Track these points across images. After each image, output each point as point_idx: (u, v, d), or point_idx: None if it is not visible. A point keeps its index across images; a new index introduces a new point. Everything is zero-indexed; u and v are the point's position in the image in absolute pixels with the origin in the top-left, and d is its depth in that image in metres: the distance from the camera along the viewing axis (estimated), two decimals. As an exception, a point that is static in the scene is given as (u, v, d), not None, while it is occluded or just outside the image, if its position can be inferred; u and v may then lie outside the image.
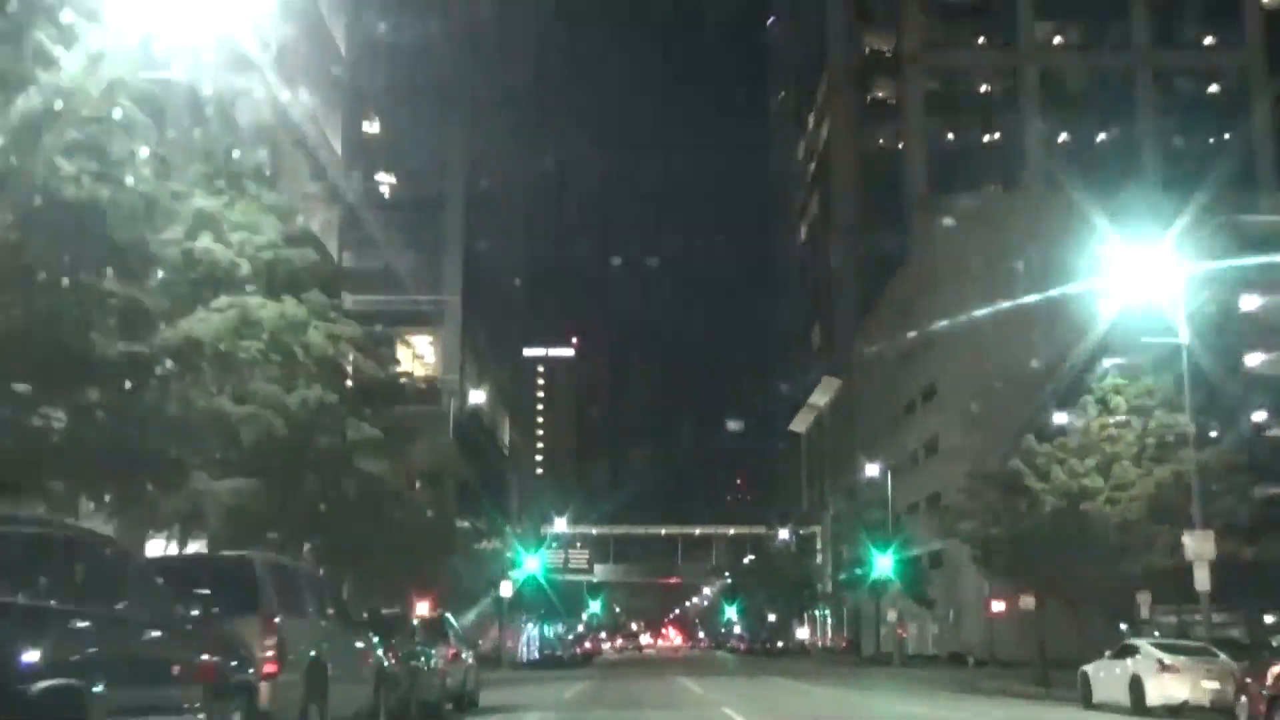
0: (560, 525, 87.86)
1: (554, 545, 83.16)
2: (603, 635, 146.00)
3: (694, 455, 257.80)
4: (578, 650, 61.82)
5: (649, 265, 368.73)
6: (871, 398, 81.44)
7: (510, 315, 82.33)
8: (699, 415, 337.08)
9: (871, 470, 56.85)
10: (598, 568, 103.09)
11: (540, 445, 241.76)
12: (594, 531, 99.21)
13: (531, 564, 55.48)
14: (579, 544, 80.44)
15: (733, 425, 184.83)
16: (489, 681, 38.49)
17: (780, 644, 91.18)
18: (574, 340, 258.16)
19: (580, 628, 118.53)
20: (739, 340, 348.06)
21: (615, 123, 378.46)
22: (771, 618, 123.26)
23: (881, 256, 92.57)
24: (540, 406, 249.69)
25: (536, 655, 61.73)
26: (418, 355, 60.83)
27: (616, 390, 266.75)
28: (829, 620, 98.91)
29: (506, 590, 53.62)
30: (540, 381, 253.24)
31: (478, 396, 61.46)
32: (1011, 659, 50.09)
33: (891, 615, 53.90)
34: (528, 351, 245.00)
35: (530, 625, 66.82)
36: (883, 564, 54.95)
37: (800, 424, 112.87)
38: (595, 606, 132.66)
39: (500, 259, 75.57)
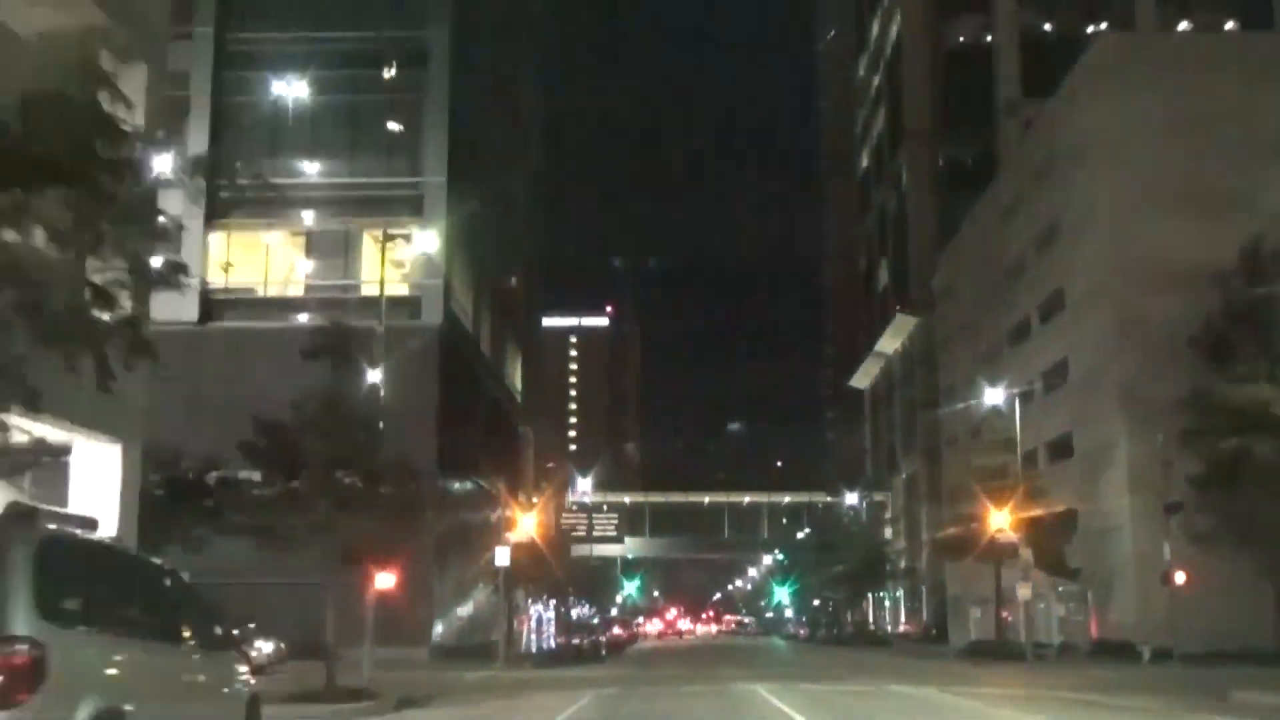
0: (585, 490, 74.11)
1: (574, 508, 69.55)
2: (639, 620, 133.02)
3: (739, 421, 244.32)
4: (603, 638, 47.89)
5: (687, 225, 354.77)
6: (961, 331, 67.03)
7: (523, 233, 68.43)
8: (745, 379, 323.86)
9: (993, 398, 42.50)
10: (631, 542, 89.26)
11: (573, 420, 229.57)
12: (626, 500, 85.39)
13: (531, 523, 41.61)
14: (605, 507, 66.68)
15: (782, 389, 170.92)
16: (451, 690, 24.90)
17: (850, 630, 77.01)
18: (608, 309, 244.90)
19: (614, 611, 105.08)
20: (786, 299, 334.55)
21: (648, 67, 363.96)
22: (815, 601, 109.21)
23: (963, 168, 78.68)
24: (573, 380, 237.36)
25: (552, 645, 47.77)
26: (396, 262, 47.18)
27: (653, 357, 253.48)
28: (901, 602, 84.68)
29: (503, 558, 39.98)
30: (573, 353, 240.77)
31: (462, 300, 47.79)
32: (1188, 649, 36.23)
33: (1024, 591, 39.82)
34: (560, 321, 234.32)
35: (540, 607, 53.24)
36: (1007, 524, 40.74)
37: (863, 378, 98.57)
38: (631, 588, 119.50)
39: (504, 149, 61.65)
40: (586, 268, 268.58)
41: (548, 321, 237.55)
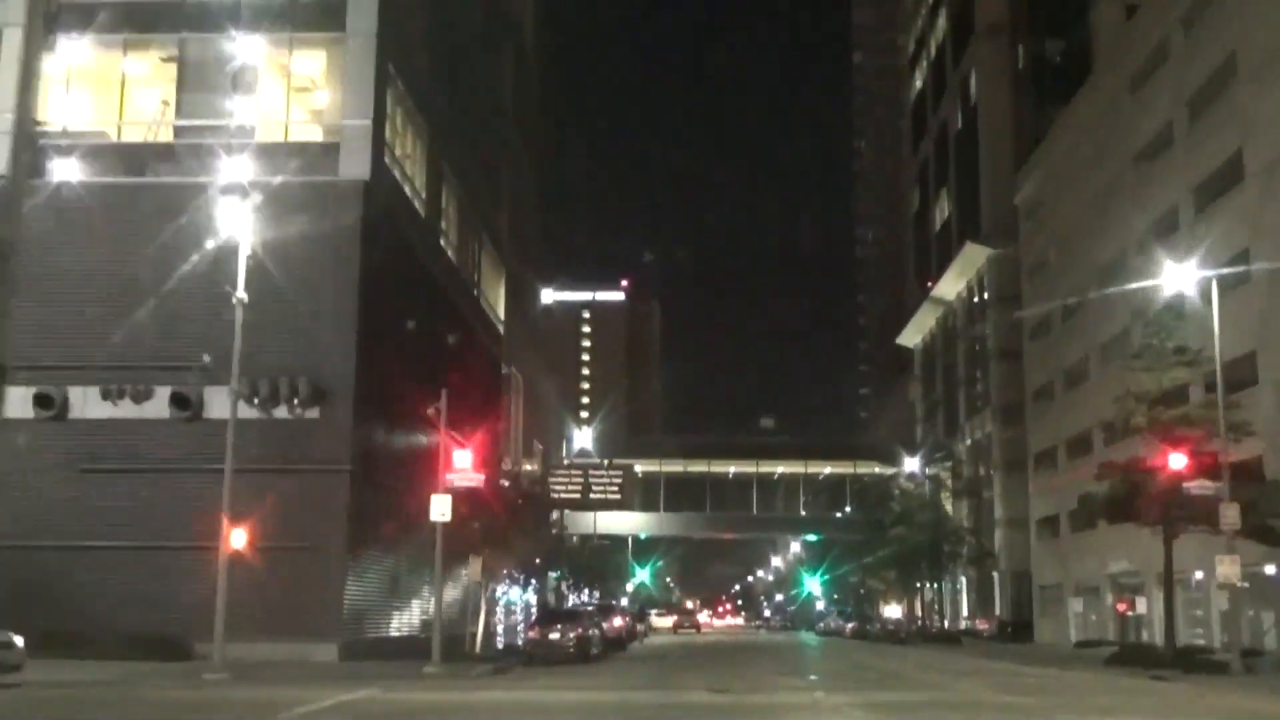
0: (586, 447, 60.71)
1: (564, 462, 56.07)
2: (654, 611, 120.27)
3: (766, 399, 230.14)
4: (595, 632, 34.25)
5: (708, 197, 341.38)
6: (1059, 251, 53.42)
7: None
8: (772, 353, 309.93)
9: (1177, 283, 27.99)
10: (643, 518, 76.00)
11: (585, 401, 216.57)
12: (639, 470, 71.91)
13: (468, 461, 27.60)
14: (606, 463, 53.42)
15: (812, 361, 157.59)
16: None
17: (906, 624, 63.12)
18: (623, 283, 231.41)
19: (624, 600, 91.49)
20: (817, 268, 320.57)
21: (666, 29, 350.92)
22: (836, 595, 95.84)
23: (1048, 68, 65.12)
24: (586, 358, 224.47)
25: (531, 636, 33.88)
26: (301, 91, 33.70)
27: (672, 333, 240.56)
28: (964, 592, 70.93)
29: (441, 508, 26.69)
30: (586, 329, 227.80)
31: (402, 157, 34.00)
32: None
33: (1228, 570, 26.19)
34: (572, 296, 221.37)
35: (517, 589, 39.72)
36: (1193, 469, 27.00)
37: (914, 334, 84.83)
38: (643, 575, 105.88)
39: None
40: (600, 240, 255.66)
41: (559, 296, 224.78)
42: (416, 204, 37.64)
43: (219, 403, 28.88)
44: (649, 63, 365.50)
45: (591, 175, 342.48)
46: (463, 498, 29.01)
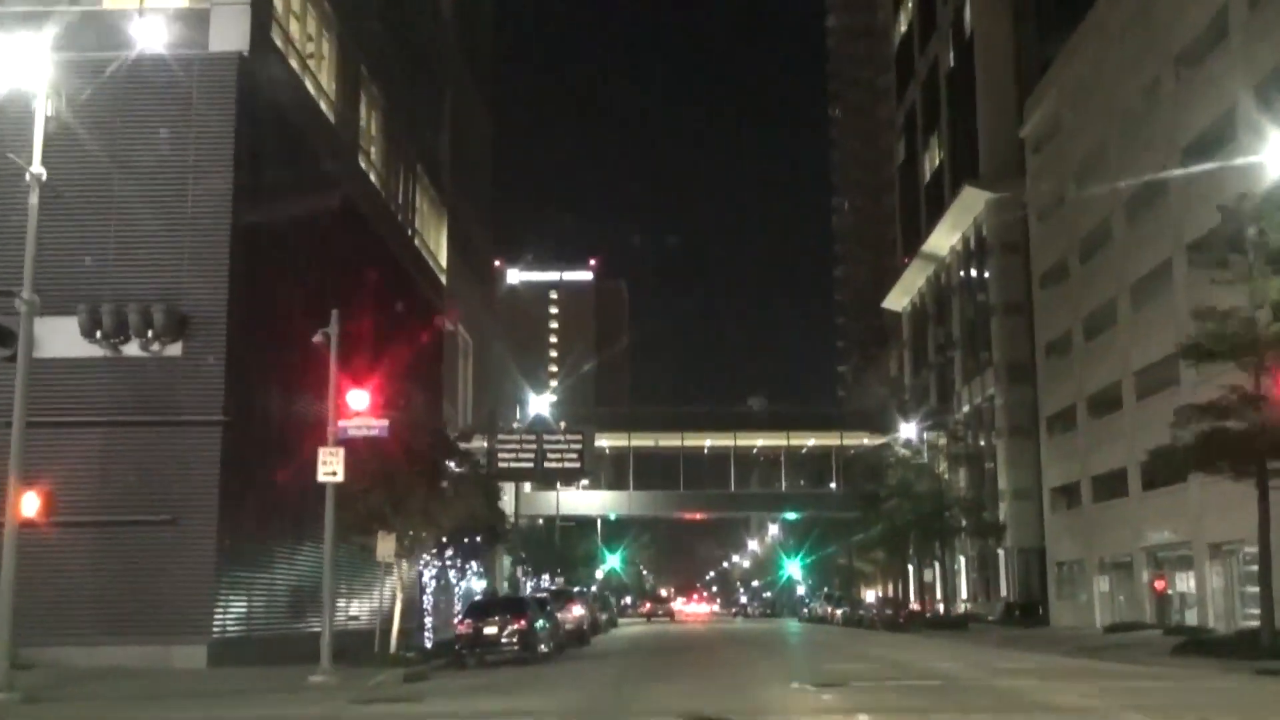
0: (543, 413, 54.17)
1: (515, 428, 49.48)
2: (626, 600, 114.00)
3: (742, 376, 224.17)
4: (543, 623, 27.56)
5: (676, 170, 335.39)
6: (1079, 182, 47.10)
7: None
8: (746, 333, 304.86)
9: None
10: (612, 497, 69.51)
11: (553, 385, 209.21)
12: (605, 445, 65.51)
13: (365, 403, 20.98)
14: (563, 424, 47.24)
15: (789, 342, 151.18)
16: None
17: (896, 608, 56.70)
18: (591, 262, 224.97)
19: (593, 588, 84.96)
20: (791, 242, 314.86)
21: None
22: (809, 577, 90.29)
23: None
24: (554, 339, 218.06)
25: (461, 632, 27.13)
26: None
27: (645, 311, 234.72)
28: (963, 571, 64.78)
29: (331, 466, 20.14)
30: (554, 310, 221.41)
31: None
32: None
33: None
34: (540, 275, 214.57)
35: (452, 573, 33.02)
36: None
37: (900, 297, 78.55)
38: (613, 561, 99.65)
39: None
40: (568, 218, 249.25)
41: (526, 276, 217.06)
42: (324, 105, 30.90)
43: (54, 338, 22.25)
44: (615, 34, 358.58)
45: (557, 152, 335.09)
46: (367, 455, 22.48)
